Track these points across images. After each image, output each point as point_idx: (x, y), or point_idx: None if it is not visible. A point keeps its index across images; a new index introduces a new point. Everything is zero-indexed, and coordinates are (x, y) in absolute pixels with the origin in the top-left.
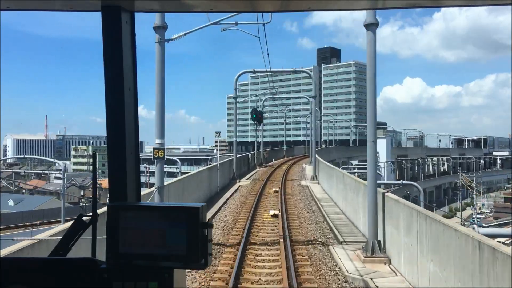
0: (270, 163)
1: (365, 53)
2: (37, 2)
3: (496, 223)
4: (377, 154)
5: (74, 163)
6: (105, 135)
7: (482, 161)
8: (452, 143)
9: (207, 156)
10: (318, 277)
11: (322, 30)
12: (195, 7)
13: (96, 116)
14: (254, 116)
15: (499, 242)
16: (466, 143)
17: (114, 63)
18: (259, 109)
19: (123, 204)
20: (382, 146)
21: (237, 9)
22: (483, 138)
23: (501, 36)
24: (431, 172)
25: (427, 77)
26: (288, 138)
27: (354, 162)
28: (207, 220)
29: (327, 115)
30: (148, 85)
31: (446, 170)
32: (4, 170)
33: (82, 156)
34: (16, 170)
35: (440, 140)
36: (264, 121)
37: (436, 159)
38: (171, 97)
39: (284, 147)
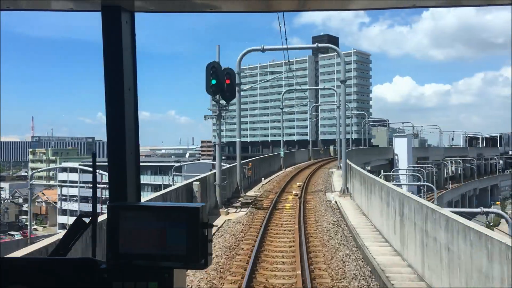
0: (256, 191)
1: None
2: (37, 2)
3: None
4: (396, 157)
5: (32, 169)
6: (83, 136)
7: (501, 161)
8: (466, 142)
9: (176, 162)
10: None
11: (311, 29)
12: (198, 7)
13: (85, 117)
14: (214, 81)
15: None
16: (480, 141)
17: (114, 63)
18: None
19: (123, 204)
20: (401, 147)
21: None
22: (499, 136)
23: (489, 35)
24: (445, 176)
25: (417, 75)
26: (278, 138)
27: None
28: (207, 221)
29: (327, 111)
30: (146, 85)
31: (461, 173)
32: None
33: (41, 161)
34: None
35: (453, 139)
36: (254, 118)
37: (451, 161)
38: (161, 98)
39: (282, 152)
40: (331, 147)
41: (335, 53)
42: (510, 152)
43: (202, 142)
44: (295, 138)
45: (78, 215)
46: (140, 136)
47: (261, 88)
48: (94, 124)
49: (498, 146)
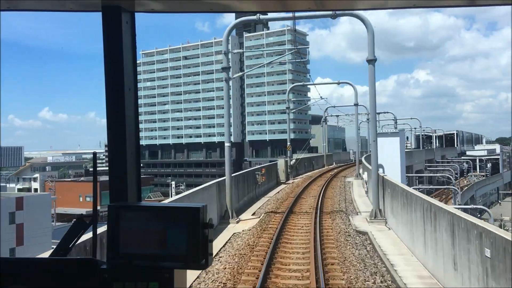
0: None
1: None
2: (37, 2)
3: None
4: (381, 170)
5: None
6: None
7: (465, 164)
8: (437, 141)
9: None
10: None
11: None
12: (199, 7)
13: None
14: None
15: None
16: (434, 140)
17: (114, 63)
18: None
19: (124, 204)
20: (390, 152)
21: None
22: (456, 134)
23: (401, 39)
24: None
25: (336, 77)
26: (196, 139)
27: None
28: (207, 221)
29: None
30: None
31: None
32: None
33: None
34: None
35: (407, 138)
36: (164, 115)
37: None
38: (80, 99)
39: None
40: (281, 160)
41: (264, 32)
42: (467, 153)
43: (106, 146)
44: (216, 139)
45: (79, 214)
46: (56, 139)
47: (172, 77)
48: (4, 127)
49: (456, 145)
